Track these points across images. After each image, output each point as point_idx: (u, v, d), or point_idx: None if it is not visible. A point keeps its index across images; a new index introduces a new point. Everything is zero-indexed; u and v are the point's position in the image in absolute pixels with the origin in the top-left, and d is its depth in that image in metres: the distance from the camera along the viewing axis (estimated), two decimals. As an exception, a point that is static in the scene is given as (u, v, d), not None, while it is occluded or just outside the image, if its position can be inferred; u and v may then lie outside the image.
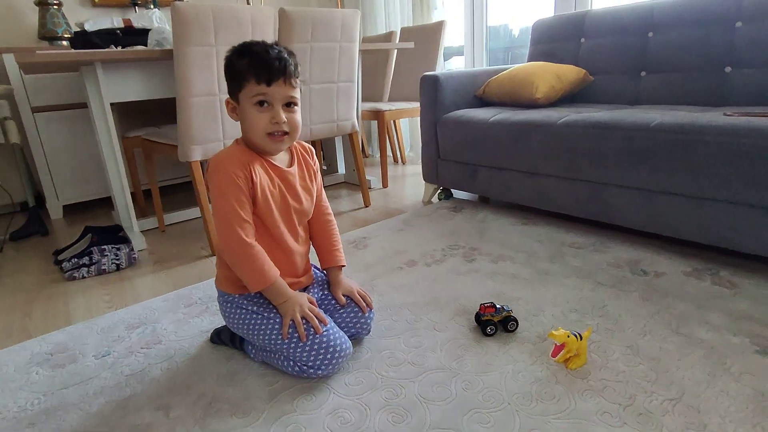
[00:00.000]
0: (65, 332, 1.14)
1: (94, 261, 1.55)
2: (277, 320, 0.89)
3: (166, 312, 1.21)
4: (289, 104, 0.86)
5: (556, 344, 0.89)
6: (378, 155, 3.36)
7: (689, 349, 0.93)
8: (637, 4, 1.81)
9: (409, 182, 2.56)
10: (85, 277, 1.50)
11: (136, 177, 2.13)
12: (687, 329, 0.99)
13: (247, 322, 0.91)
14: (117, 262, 1.56)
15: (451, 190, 2.12)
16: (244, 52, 0.84)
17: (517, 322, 1.02)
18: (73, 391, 0.92)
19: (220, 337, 1.03)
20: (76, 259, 1.56)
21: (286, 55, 0.84)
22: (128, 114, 2.25)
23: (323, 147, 2.78)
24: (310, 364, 0.87)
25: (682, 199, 1.27)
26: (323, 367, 0.87)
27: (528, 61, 2.17)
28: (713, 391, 0.81)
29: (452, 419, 0.78)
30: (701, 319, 1.03)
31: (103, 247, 1.62)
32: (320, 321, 0.89)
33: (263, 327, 0.89)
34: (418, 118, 2.96)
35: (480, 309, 1.04)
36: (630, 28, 1.80)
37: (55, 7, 2.22)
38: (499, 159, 1.70)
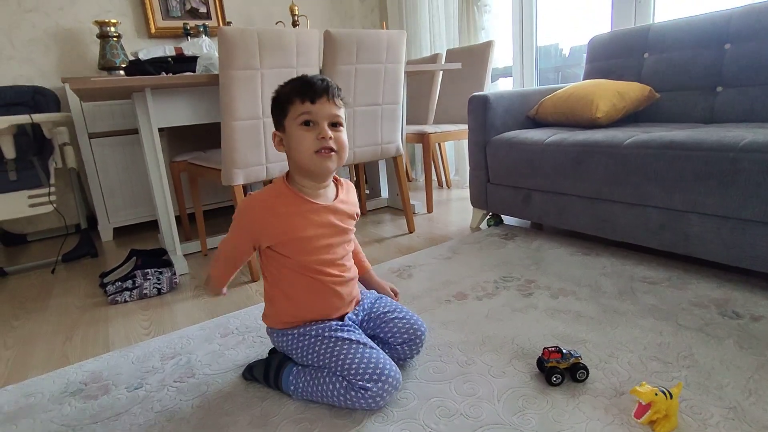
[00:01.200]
0: (101, 360, 1.11)
1: (136, 285, 1.54)
2: (334, 340, 0.86)
3: (201, 342, 1.15)
4: (335, 124, 0.85)
5: (640, 403, 0.75)
6: (422, 179, 3.28)
7: (811, 416, 0.75)
8: (711, 13, 1.65)
9: (455, 207, 2.45)
10: (127, 301, 1.49)
11: (182, 200, 2.15)
12: (803, 389, 0.82)
13: (303, 346, 0.89)
14: (158, 286, 1.54)
15: (502, 216, 1.99)
16: (288, 81, 0.86)
17: (587, 370, 0.88)
18: (101, 427, 0.87)
19: (253, 373, 0.96)
20: (119, 283, 1.56)
21: (328, 81, 0.85)
22: (178, 139, 2.30)
23: (366, 171, 2.73)
24: (359, 377, 0.80)
25: (780, 229, 1.09)
26: (371, 383, 0.80)
27: (584, 79, 2.04)
28: None
29: (517, 492, 0.65)
30: (819, 375, 0.85)
31: (146, 270, 1.61)
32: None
33: (318, 346, 0.87)
34: (464, 141, 2.88)
35: (543, 353, 0.91)
36: (703, 40, 1.64)
37: (114, 39, 2.34)
38: (556, 183, 1.57)
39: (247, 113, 1.52)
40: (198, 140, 2.29)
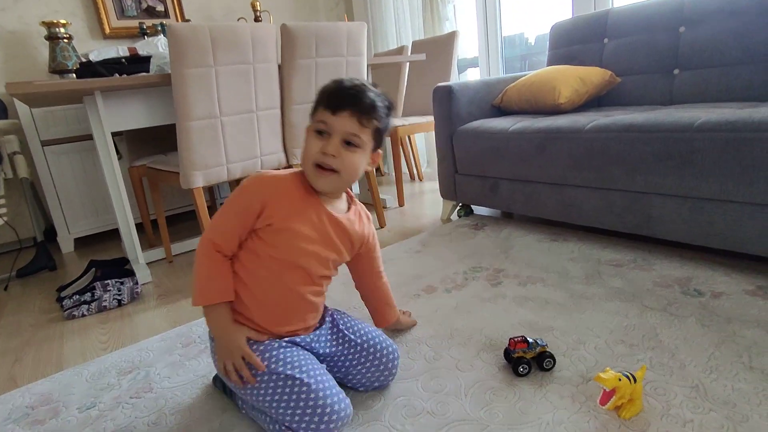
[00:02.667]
0: (52, 380, 1.05)
1: (95, 297, 1.48)
2: (264, 375, 0.75)
3: (161, 353, 1.10)
4: (350, 143, 0.76)
5: (605, 389, 0.74)
6: (393, 173, 3.26)
7: (770, 390, 0.76)
8: (665, -3, 1.67)
9: (427, 200, 2.43)
10: (85, 315, 1.42)
11: (144, 207, 2.07)
12: (762, 362, 0.83)
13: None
14: (119, 297, 1.47)
15: (472, 206, 1.99)
16: (331, 82, 0.79)
17: (554, 358, 0.87)
18: (50, 452, 0.81)
19: (222, 382, 0.91)
20: (77, 296, 1.49)
21: (370, 93, 0.77)
22: (139, 142, 2.21)
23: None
24: (294, 426, 0.71)
25: (736, 205, 1.10)
26: (312, 431, 0.70)
27: (547, 66, 2.04)
28: (812, 447, 0.65)
29: (482, 490, 0.63)
30: (777, 348, 0.86)
31: (106, 282, 1.54)
32: (256, 369, 0.75)
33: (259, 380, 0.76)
34: (433, 133, 2.87)
35: (510, 344, 0.89)
36: (659, 23, 1.65)
37: (64, 40, 2.23)
38: (522, 171, 1.57)
39: (202, 112, 1.46)
40: (159, 142, 2.21)
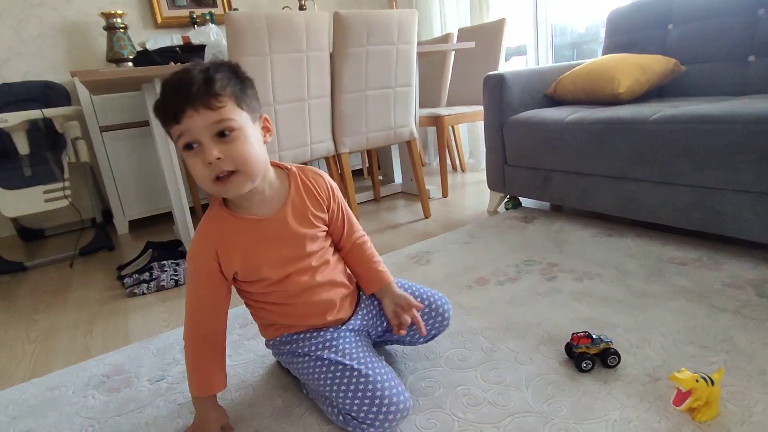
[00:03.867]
0: (122, 353, 1.10)
1: (153, 277, 1.54)
2: (322, 361, 0.77)
3: (221, 333, 1.14)
4: (222, 133, 0.64)
5: (680, 389, 0.71)
6: (435, 163, 3.23)
7: None
8: (741, -22, 1.56)
9: (471, 191, 2.40)
10: (145, 294, 1.49)
11: (196, 192, 2.14)
12: None
13: (298, 365, 0.81)
14: (175, 277, 1.53)
15: (520, 198, 1.94)
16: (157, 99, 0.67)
17: (619, 355, 0.85)
18: (125, 420, 0.86)
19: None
20: (137, 275, 1.56)
21: (194, 74, 0.64)
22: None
23: (379, 156, 2.69)
24: (354, 414, 0.72)
25: (821, 204, 1.03)
26: (371, 421, 0.71)
27: (603, 54, 1.96)
28: None
29: (553, 484, 0.62)
30: None
31: (162, 262, 1.61)
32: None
33: (312, 368, 0.78)
34: (477, 123, 2.82)
35: (572, 339, 0.87)
36: (733, 6, 1.55)
37: (121, 30, 2.31)
38: (577, 163, 1.52)
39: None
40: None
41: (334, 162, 1.93)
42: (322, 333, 0.80)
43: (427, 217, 1.98)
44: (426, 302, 0.89)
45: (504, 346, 0.95)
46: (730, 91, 1.55)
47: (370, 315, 0.87)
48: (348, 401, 0.72)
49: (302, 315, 0.80)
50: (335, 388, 0.73)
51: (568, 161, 1.54)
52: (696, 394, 0.70)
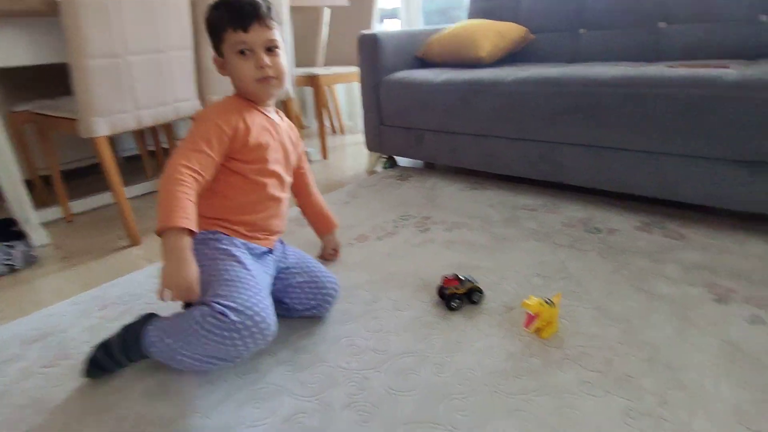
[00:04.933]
0: (-60, 356, 0.91)
1: (-22, 264, 1.28)
2: (232, 258, 0.80)
3: (76, 318, 1.01)
4: (271, 48, 0.83)
5: (529, 314, 0.83)
6: (314, 125, 3.17)
7: (654, 305, 0.91)
8: (575, -43, 1.76)
9: (350, 152, 2.42)
10: (-32, 284, 1.23)
11: (31, 160, 1.80)
12: (647, 285, 0.98)
13: (202, 262, 0.76)
14: (9, 263, 1.30)
15: (396, 158, 2.02)
16: (218, 4, 0.82)
17: (482, 292, 0.96)
18: (-48, 431, 0.72)
19: (110, 354, 0.79)
20: (-46, 264, 1.28)
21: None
22: (17, 85, 1.89)
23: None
24: (222, 299, 0.70)
25: (631, 153, 1.25)
26: (233, 313, 0.69)
27: (468, 19, 2.08)
28: (684, 346, 0.79)
29: (427, 410, 0.69)
30: (658, 273, 1.02)
31: (-9, 245, 1.34)
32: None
33: (213, 262, 0.78)
34: (356, 84, 2.81)
35: (443, 282, 0.96)
36: (567, -18, 1.75)
37: None
38: (446, 122, 1.62)
39: (102, 49, 1.28)
40: (43, 85, 1.90)
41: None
42: (245, 242, 0.85)
43: (308, 180, 1.95)
44: (312, 291, 0.92)
45: (384, 296, 1.01)
46: (566, 59, 1.77)
47: (276, 267, 0.92)
48: (223, 290, 0.72)
49: (251, 221, 0.86)
50: (220, 277, 0.75)
51: (439, 120, 1.64)
52: (541, 316, 0.82)
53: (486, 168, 1.59)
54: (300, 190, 1.11)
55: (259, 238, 0.88)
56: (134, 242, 1.42)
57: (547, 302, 0.82)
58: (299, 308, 0.92)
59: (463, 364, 0.79)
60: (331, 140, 2.72)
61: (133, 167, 2.21)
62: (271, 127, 0.89)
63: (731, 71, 1.12)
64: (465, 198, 1.55)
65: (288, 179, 0.94)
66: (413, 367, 0.79)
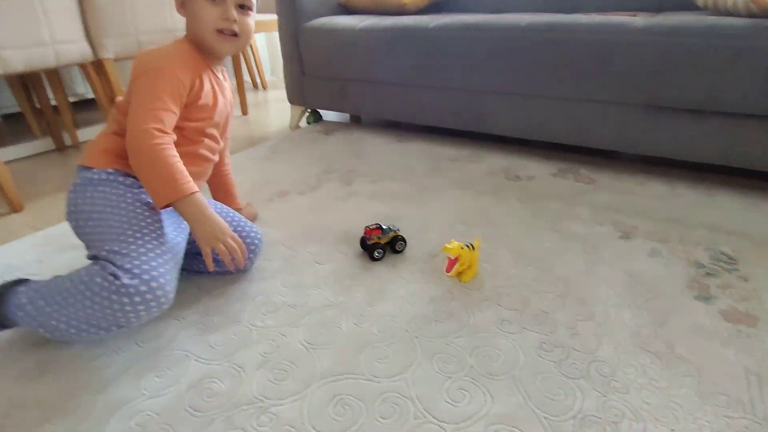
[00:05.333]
0: None
1: None
2: (136, 205, 0.71)
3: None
4: (243, 6, 0.77)
5: (450, 258, 0.82)
6: (233, 81, 2.94)
7: (567, 245, 0.94)
8: None
9: (273, 108, 2.28)
10: None
11: None
12: (561, 225, 1.01)
13: (102, 207, 0.70)
14: None
15: (320, 112, 1.92)
16: None
17: (405, 241, 0.93)
18: None
19: None
20: None
21: None
22: None
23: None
24: (118, 258, 0.63)
25: (548, 100, 1.27)
26: (127, 276, 0.61)
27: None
28: (593, 280, 0.83)
29: (345, 362, 0.67)
30: (571, 214, 1.06)
31: None
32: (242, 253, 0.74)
33: (122, 215, 0.69)
34: (275, 34, 2.62)
35: (365, 232, 0.92)
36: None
37: None
38: (370, 71, 1.54)
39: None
40: None
41: (95, 71, 1.56)
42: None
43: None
44: (238, 230, 0.86)
45: (304, 251, 0.96)
46: (491, 10, 1.74)
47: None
48: (122, 247, 0.64)
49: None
50: (127, 241, 0.66)
51: (362, 69, 1.56)
52: (461, 260, 0.82)
53: (411, 119, 1.56)
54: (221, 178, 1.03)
55: None
56: (15, 209, 1.23)
57: (467, 246, 0.82)
58: (220, 262, 0.83)
59: (384, 312, 0.76)
60: (253, 96, 2.54)
61: (15, 127, 1.92)
62: (219, 88, 0.83)
63: (639, 19, 1.15)
64: (390, 151, 1.51)
65: (221, 144, 0.89)
66: (333, 320, 0.75)
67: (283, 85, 2.70)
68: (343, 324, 0.74)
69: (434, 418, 0.57)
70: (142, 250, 0.65)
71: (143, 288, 0.62)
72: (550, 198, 1.14)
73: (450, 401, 0.60)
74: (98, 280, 0.61)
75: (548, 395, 0.60)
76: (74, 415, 0.59)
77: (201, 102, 0.77)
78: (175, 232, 0.75)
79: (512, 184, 1.23)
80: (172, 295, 0.66)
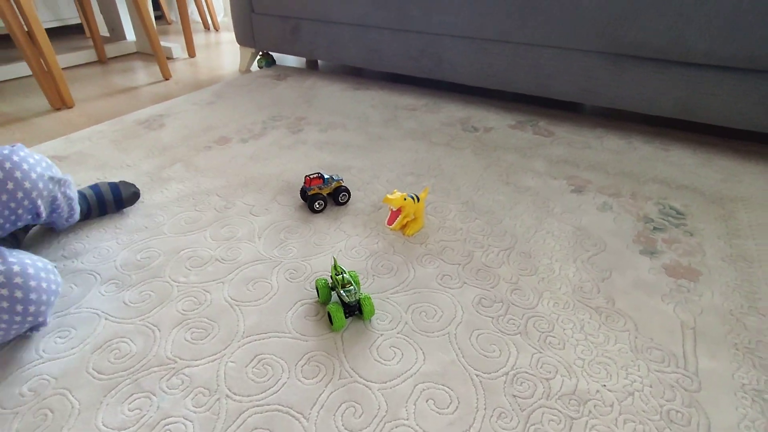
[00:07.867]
0: None
1: None
2: None
3: None
4: None
5: (392, 209, 0.77)
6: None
7: (518, 198, 0.90)
8: None
9: (225, 50, 2.10)
10: None
11: None
12: (515, 178, 0.98)
13: None
14: None
15: (275, 56, 1.78)
16: None
17: (349, 192, 0.87)
18: None
19: None
20: None
21: None
22: None
23: (102, 7, 2.05)
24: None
25: (511, 46, 1.20)
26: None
27: None
28: (541, 234, 0.80)
29: (272, 320, 0.62)
30: (526, 167, 1.02)
31: None
32: None
33: None
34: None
35: (305, 182, 0.85)
36: None
37: None
38: (324, 8, 1.41)
39: None
40: None
41: (9, 8, 1.36)
42: None
43: (167, 79, 1.66)
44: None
45: (239, 201, 0.88)
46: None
47: None
48: None
49: None
50: None
51: (316, 6, 1.42)
52: (405, 212, 0.77)
53: (368, 65, 1.45)
54: None
55: None
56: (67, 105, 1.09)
57: (411, 197, 0.77)
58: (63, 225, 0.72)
59: (319, 267, 0.71)
60: (203, 37, 2.34)
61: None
62: None
63: (608, -42, 1.07)
64: (345, 98, 1.41)
65: None
66: (263, 275, 0.70)
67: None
68: (274, 279, 0.69)
69: (360, 377, 0.54)
70: None
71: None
72: (506, 150, 1.10)
73: (379, 359, 0.56)
74: None
75: (482, 352, 0.57)
76: (-46, 381, 0.53)
77: None
78: None
79: (469, 135, 1.17)
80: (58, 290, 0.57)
